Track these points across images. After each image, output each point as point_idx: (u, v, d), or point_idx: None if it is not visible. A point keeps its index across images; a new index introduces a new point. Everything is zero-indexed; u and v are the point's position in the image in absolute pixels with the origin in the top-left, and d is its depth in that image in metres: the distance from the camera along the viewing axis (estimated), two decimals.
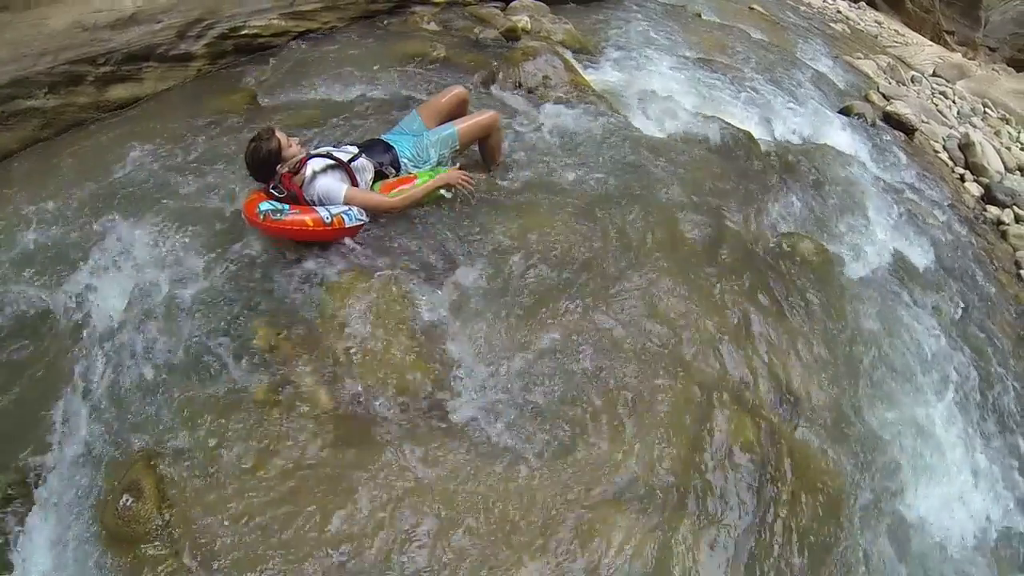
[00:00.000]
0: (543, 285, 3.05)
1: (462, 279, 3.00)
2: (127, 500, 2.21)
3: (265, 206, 2.84)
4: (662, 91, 5.06)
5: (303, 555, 2.13)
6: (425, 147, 3.45)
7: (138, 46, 3.92)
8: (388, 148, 3.38)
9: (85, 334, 2.73)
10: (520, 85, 4.23)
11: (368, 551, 2.16)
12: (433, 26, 4.66)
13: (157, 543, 2.16)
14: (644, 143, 4.17)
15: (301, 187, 3.05)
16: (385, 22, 4.67)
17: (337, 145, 3.38)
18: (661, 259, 3.35)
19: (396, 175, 3.34)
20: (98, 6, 3.82)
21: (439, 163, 3.46)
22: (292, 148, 3.03)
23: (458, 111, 3.65)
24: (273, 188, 2.98)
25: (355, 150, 3.26)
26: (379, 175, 3.29)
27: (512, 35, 4.75)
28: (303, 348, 2.63)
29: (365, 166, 3.24)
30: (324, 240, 2.98)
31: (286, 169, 3.03)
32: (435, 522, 2.25)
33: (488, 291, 2.99)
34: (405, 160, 3.40)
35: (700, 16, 7.34)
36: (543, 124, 4.05)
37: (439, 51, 4.33)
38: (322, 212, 2.92)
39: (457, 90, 3.68)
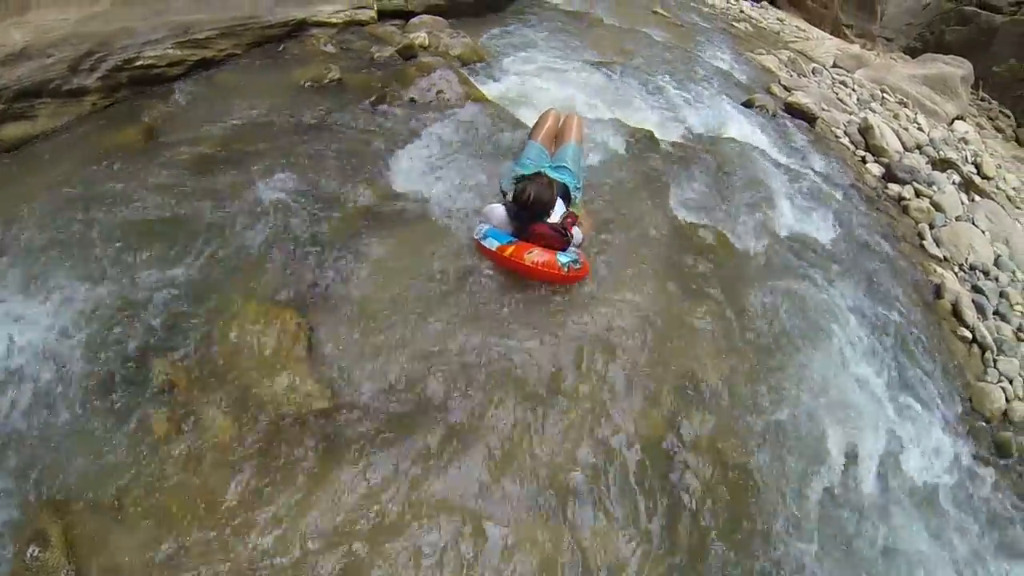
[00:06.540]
0: (424, 296, 3.11)
1: (352, 296, 3.02)
2: (34, 550, 2.16)
3: (565, 259, 3.10)
4: (561, 97, 5.16)
5: None
6: (579, 172, 3.82)
7: (29, 82, 3.77)
8: (563, 185, 3.55)
9: None
10: (413, 101, 4.24)
11: None
12: (330, 48, 4.65)
13: None
14: None
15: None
16: (281, 47, 4.63)
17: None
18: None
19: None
20: None
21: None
22: None
23: (564, 126, 4.02)
24: (561, 231, 3.19)
25: None
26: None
27: (409, 52, 4.76)
28: (201, 378, 2.59)
29: None
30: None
31: (575, 211, 3.41)
32: (346, 543, 2.25)
33: (375, 303, 3.03)
34: (574, 191, 3.69)
35: (602, 21, 7.50)
36: (433, 139, 4.07)
37: (334, 73, 4.32)
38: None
39: (555, 112, 4.11)
